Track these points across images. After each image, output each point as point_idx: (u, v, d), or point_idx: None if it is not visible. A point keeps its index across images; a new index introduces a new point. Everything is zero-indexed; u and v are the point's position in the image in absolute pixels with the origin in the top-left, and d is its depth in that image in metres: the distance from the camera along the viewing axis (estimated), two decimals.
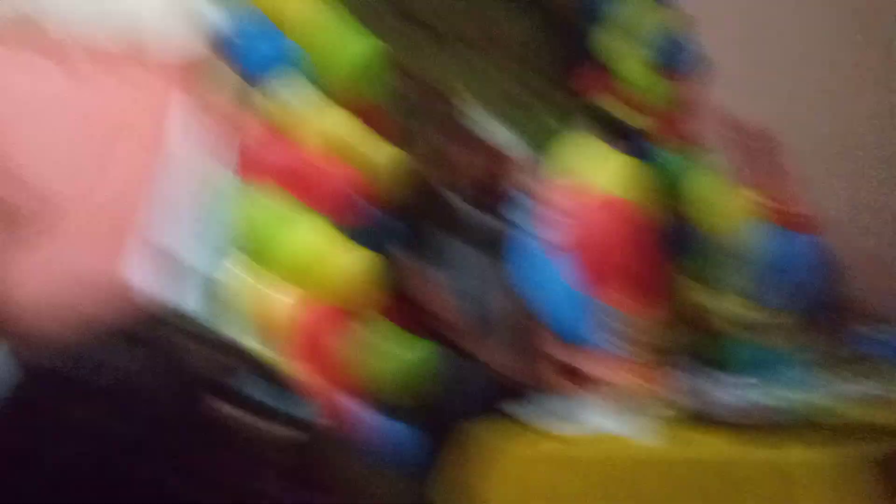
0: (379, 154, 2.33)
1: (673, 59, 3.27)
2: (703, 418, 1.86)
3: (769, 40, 3.69)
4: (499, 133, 3.26)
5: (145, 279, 2.39)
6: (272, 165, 2.21)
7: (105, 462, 0.41)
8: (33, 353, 0.47)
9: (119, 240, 2.12)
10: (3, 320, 1.77)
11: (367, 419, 2.29)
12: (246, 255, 2.36)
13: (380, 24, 2.81)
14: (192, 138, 2.31)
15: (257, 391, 0.45)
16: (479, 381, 2.56)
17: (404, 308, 2.45)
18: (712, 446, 1.76)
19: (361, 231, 2.29)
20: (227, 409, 0.43)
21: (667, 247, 3.23)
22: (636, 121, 3.22)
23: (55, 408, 0.43)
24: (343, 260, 2.18)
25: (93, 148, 2.10)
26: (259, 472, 0.43)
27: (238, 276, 2.27)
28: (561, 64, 3.52)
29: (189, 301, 2.25)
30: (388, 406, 2.35)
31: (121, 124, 2.18)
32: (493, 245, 2.77)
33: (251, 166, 2.24)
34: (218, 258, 2.32)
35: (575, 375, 2.56)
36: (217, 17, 2.28)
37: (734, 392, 1.83)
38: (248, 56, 2.21)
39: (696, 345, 2.62)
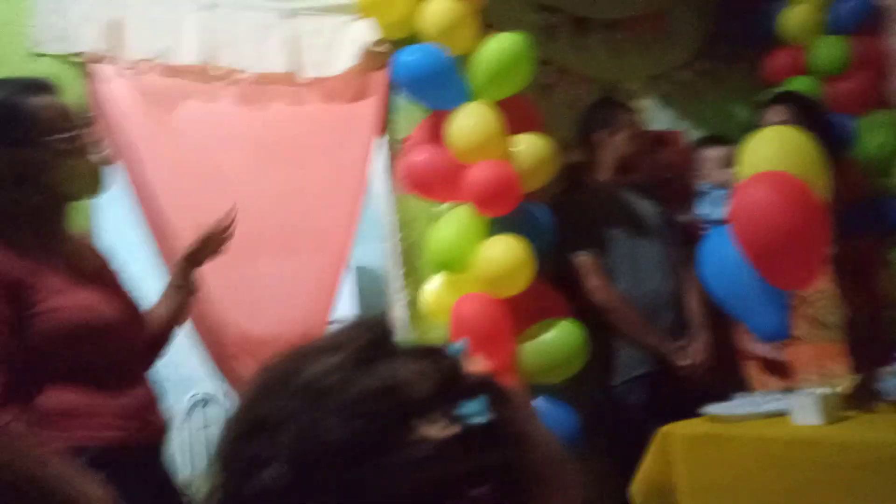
0: (531, 146, 2.37)
1: (855, 17, 2.96)
2: (879, 399, 1.69)
3: None
4: (667, 121, 3.17)
5: (351, 297, 2.65)
6: (425, 172, 2.34)
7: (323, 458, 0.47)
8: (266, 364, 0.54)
9: (337, 263, 2.33)
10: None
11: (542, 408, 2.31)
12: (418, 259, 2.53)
13: (530, 17, 2.90)
14: (376, 161, 2.54)
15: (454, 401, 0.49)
16: (658, 379, 2.48)
17: (577, 301, 2.45)
18: (887, 428, 1.58)
19: (516, 221, 2.33)
20: (431, 428, 0.47)
21: (866, 224, 2.91)
22: (824, 95, 2.97)
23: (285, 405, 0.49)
24: (498, 250, 2.23)
25: (315, 177, 2.35)
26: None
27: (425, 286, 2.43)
28: (740, 47, 3.35)
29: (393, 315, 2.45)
30: (558, 396, 2.36)
31: (332, 152, 2.42)
32: (668, 236, 2.68)
33: (413, 177, 2.38)
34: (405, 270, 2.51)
35: (767, 367, 2.39)
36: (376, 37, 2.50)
37: None
38: (412, 74, 2.37)
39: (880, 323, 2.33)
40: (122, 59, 2.17)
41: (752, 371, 2.46)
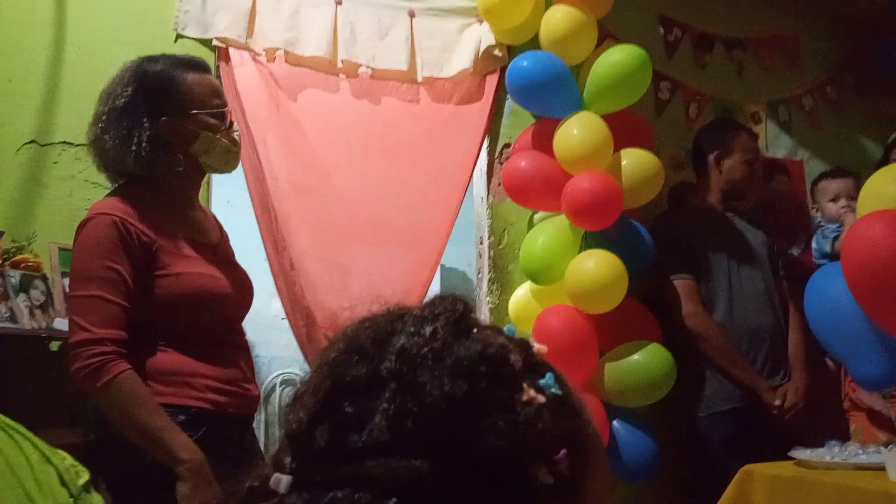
0: (638, 162, 2.33)
1: None
2: None
3: None
4: (786, 148, 3.03)
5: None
6: (526, 178, 2.34)
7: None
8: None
9: (430, 260, 2.38)
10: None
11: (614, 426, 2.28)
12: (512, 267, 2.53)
13: (653, 29, 2.84)
14: (478, 163, 2.57)
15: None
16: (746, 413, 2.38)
17: (670, 325, 2.38)
18: None
19: (613, 237, 2.30)
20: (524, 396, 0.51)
21: None
22: None
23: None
24: (592, 265, 2.21)
25: (419, 174, 2.41)
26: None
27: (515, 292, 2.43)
28: (871, 78, 3.17)
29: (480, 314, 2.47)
30: (639, 421, 2.31)
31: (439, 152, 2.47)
32: (773, 267, 2.56)
33: (514, 182, 2.38)
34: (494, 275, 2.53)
35: (873, 420, 2.25)
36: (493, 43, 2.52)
37: None
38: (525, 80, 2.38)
39: None
40: (252, 45, 2.30)
41: (858, 422, 2.32)
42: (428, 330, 0.52)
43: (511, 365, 0.52)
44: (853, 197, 2.50)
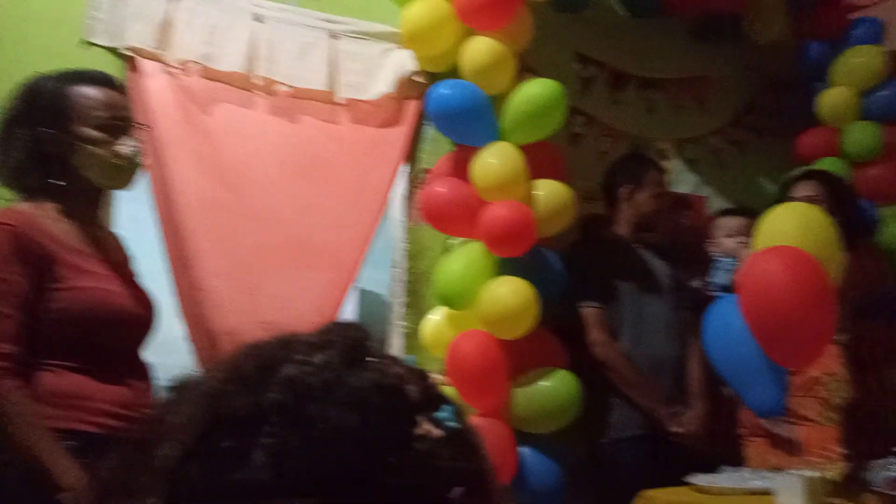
0: (552, 193, 2.39)
1: (891, 104, 2.97)
2: (867, 489, 1.65)
3: None
4: (691, 185, 3.17)
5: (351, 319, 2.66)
6: (444, 204, 2.36)
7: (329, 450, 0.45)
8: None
9: (344, 283, 2.35)
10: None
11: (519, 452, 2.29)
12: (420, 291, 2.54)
13: (569, 66, 2.93)
14: (396, 187, 2.57)
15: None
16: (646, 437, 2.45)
17: (577, 353, 2.43)
18: None
19: (526, 265, 2.34)
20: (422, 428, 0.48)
21: (882, 312, 2.87)
22: (853, 180, 2.96)
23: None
24: (504, 291, 2.24)
25: (336, 195, 2.39)
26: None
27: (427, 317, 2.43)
28: (774, 122, 3.36)
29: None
30: (546, 447, 2.34)
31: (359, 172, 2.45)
32: (678, 299, 2.66)
33: (431, 208, 2.40)
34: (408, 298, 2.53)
35: (774, 444, 2.34)
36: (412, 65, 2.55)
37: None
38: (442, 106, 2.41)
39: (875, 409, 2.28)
40: (165, 57, 2.24)
41: (757, 447, 2.41)
42: (318, 358, 0.49)
43: (406, 397, 0.50)
44: (747, 234, 2.64)
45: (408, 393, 0.50)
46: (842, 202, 2.59)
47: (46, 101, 1.51)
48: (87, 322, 1.44)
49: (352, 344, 0.52)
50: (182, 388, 0.52)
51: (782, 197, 2.67)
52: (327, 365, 0.49)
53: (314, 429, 0.46)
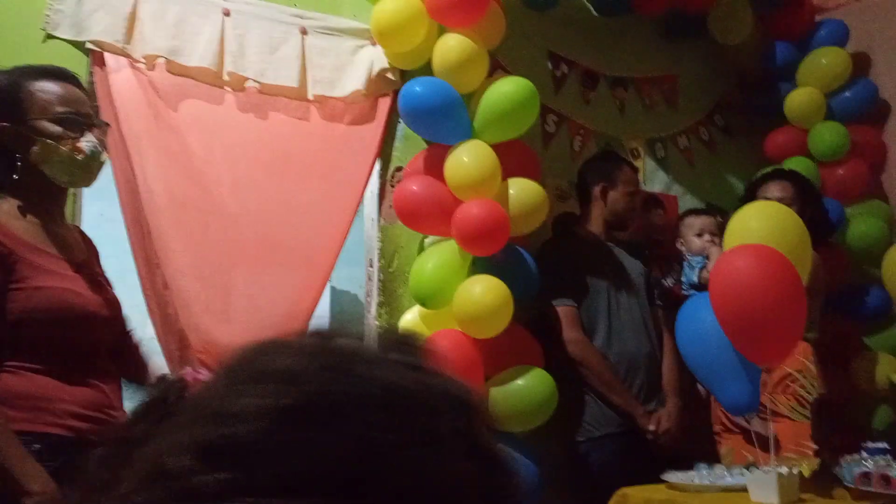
0: (525, 191, 2.38)
1: (855, 105, 3.03)
2: (838, 484, 1.68)
3: None
4: (662, 183, 3.19)
5: (325, 318, 2.63)
6: (418, 203, 2.34)
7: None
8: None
9: (317, 282, 2.31)
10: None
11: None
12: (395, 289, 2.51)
13: (541, 64, 2.94)
14: (369, 185, 2.54)
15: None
16: (620, 435, 2.46)
17: (551, 351, 2.43)
18: None
19: (500, 263, 2.33)
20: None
21: (848, 309, 2.92)
22: (820, 179, 3.01)
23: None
24: (479, 290, 2.23)
25: (308, 193, 2.34)
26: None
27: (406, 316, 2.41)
28: (744, 121, 3.41)
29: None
30: (521, 445, 2.33)
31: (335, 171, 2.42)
32: (650, 297, 2.68)
33: (404, 206, 2.37)
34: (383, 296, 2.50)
35: (748, 440, 2.36)
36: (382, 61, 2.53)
37: (866, 459, 1.63)
38: (413, 103, 2.39)
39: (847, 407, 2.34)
40: (131, 51, 2.18)
41: (729, 444, 2.43)
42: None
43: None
44: (715, 233, 2.67)
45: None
46: (808, 201, 2.63)
47: (2, 94, 1.47)
48: (49, 322, 1.40)
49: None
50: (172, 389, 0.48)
51: (750, 196, 2.70)
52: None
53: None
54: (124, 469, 0.43)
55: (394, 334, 0.51)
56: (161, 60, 2.21)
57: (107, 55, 2.15)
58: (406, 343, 0.50)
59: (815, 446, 1.84)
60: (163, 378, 0.43)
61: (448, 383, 0.47)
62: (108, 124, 1.66)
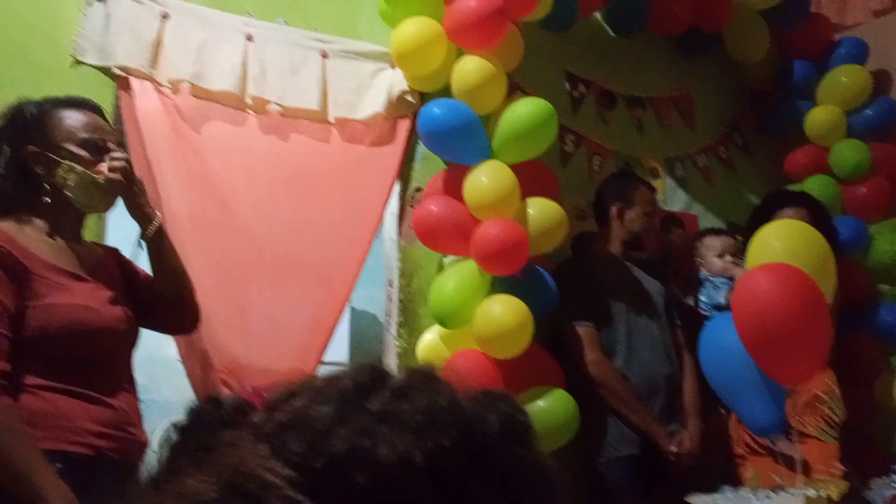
0: (544, 211, 2.38)
1: (876, 122, 3.01)
2: (861, 502, 1.65)
3: None
4: (681, 203, 3.18)
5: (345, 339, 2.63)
6: (437, 223, 2.35)
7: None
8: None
9: (338, 302, 2.33)
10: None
11: None
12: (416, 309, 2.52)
13: (559, 84, 2.95)
14: (389, 206, 2.56)
15: None
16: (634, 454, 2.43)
17: (571, 372, 2.41)
18: None
19: (520, 283, 2.32)
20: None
21: (867, 328, 2.88)
22: (841, 197, 2.99)
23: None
24: (499, 310, 2.22)
25: (328, 214, 2.37)
26: None
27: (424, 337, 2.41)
28: (763, 140, 3.40)
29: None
30: None
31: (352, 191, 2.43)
32: (670, 317, 2.66)
33: (424, 226, 2.38)
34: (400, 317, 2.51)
35: (777, 461, 2.33)
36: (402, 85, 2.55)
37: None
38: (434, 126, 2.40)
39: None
40: (156, 76, 2.22)
41: (756, 466, 2.38)
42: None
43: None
44: (735, 254, 2.65)
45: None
46: (823, 226, 2.61)
47: (29, 119, 1.53)
48: (64, 338, 1.42)
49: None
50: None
51: (762, 219, 2.67)
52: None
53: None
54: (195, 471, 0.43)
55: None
56: (185, 84, 2.25)
57: (132, 80, 2.19)
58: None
59: (843, 468, 1.80)
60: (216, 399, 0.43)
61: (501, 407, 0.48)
62: (130, 147, 1.70)
